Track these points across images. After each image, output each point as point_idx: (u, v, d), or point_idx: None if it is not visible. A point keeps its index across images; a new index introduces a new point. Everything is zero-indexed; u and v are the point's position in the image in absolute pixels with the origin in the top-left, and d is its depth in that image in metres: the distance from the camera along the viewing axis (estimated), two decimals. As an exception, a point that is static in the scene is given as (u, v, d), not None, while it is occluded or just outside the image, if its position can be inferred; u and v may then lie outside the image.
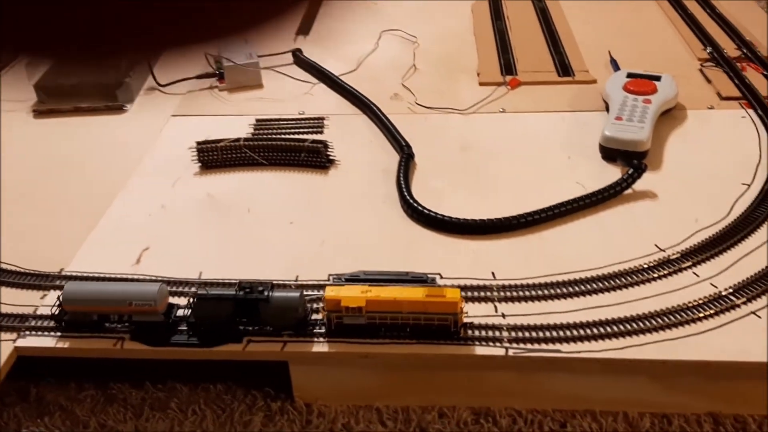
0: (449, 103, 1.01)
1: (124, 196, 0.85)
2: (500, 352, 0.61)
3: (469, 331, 0.63)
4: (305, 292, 0.66)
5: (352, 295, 0.62)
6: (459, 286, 0.67)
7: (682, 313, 0.63)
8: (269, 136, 0.92)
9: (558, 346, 0.61)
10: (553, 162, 0.87)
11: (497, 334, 0.63)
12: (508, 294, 0.67)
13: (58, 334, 0.65)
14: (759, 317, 0.63)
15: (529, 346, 0.61)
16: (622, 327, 0.62)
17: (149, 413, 0.65)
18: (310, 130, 0.96)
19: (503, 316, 0.65)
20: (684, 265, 0.69)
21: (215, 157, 0.88)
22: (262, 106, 1.03)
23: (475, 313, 0.65)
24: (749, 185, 0.80)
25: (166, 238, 0.78)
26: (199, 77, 1.09)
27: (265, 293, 0.62)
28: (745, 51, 1.09)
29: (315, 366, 0.64)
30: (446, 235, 0.76)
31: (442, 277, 0.69)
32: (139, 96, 1.08)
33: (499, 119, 0.97)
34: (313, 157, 0.88)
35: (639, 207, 0.79)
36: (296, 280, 0.70)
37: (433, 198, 0.81)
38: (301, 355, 0.63)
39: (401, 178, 0.82)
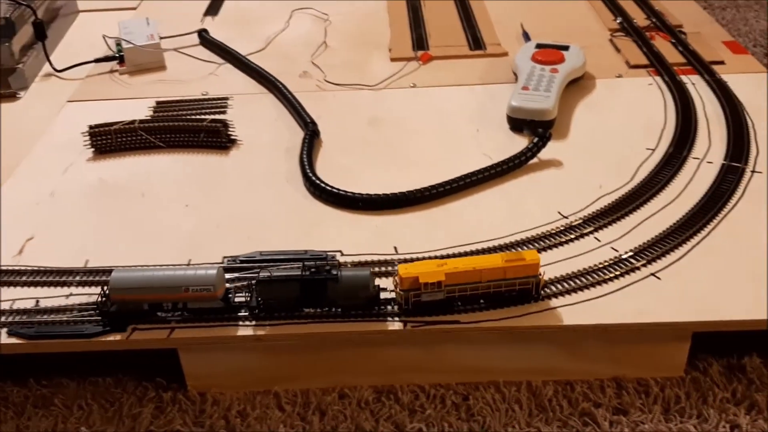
0: (359, 79, 0.98)
1: (11, 185, 0.80)
2: (398, 326, 0.59)
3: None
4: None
5: (429, 270, 0.58)
6: (360, 263, 0.65)
7: (582, 278, 0.62)
8: (167, 117, 0.88)
9: (457, 317, 0.59)
10: (462, 135, 0.86)
11: (396, 308, 0.60)
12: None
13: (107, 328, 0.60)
14: (659, 279, 0.62)
15: (427, 318, 0.59)
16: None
17: (32, 411, 0.61)
18: (213, 110, 0.92)
19: (403, 290, 0.63)
20: (586, 231, 0.68)
21: (109, 141, 0.84)
22: (164, 89, 0.98)
23: (374, 288, 0.63)
24: (653, 150, 0.80)
25: (53, 226, 0.73)
26: (98, 61, 1.04)
27: (334, 272, 0.58)
28: (654, 20, 1.09)
29: (206, 352, 0.61)
30: (349, 212, 0.73)
31: (342, 254, 0.67)
32: (34, 83, 1.02)
33: (409, 94, 0.95)
34: (212, 137, 0.84)
35: (545, 176, 0.77)
36: (188, 264, 0.66)
37: (340, 174, 0.78)
38: (189, 341, 0.59)
39: (304, 156, 0.79)
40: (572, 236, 0.68)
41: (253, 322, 0.60)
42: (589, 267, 0.63)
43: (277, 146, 0.84)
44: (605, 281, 0.62)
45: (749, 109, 0.86)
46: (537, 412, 0.59)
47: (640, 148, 0.80)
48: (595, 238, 0.68)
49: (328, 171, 0.79)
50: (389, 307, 0.60)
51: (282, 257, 0.65)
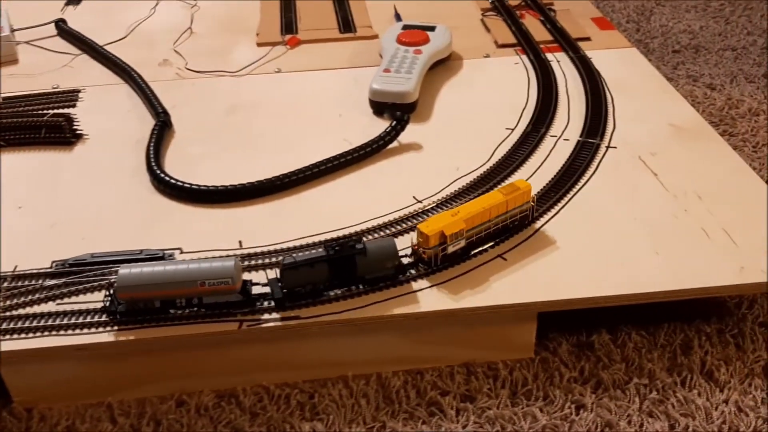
0: (222, 65, 0.94)
1: None
2: (233, 326, 0.56)
3: (203, 309, 0.57)
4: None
5: (449, 222, 0.59)
6: (195, 260, 0.61)
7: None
8: (9, 114, 0.82)
9: (297, 311, 0.57)
10: (325, 120, 0.83)
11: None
12: (253, 263, 0.62)
13: (115, 328, 0.56)
14: (505, 260, 0.61)
15: (266, 315, 0.56)
16: (357, 286, 0.58)
17: None
18: (62, 104, 0.86)
19: (252, 283, 0.59)
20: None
21: (-61, 141, 0.77)
22: (14, 84, 0.91)
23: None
24: (512, 129, 0.79)
25: None
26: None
27: (360, 246, 0.57)
28: (525, -1, 1.09)
29: (30, 365, 0.56)
30: (196, 206, 0.69)
31: (182, 252, 0.63)
32: None
33: (273, 80, 0.91)
34: (55, 133, 0.79)
35: (403, 160, 0.75)
36: (14, 271, 0.61)
37: (192, 165, 0.74)
38: (9, 354, 0.55)
39: (151, 148, 0.75)
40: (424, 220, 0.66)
41: (91, 331, 0.55)
42: (437, 252, 0.62)
43: (127, 139, 0.79)
44: (451, 265, 0.60)
45: (611, 85, 0.86)
46: (384, 405, 0.57)
47: (500, 128, 0.79)
48: (447, 221, 0.66)
49: (178, 162, 0.75)
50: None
51: (115, 258, 0.61)
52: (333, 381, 0.59)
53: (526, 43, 0.96)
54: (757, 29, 1.16)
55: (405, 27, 0.94)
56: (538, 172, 0.72)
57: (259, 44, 0.99)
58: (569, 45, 0.95)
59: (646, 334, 0.62)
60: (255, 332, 0.56)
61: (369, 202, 0.69)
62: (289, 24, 1.04)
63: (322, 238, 0.64)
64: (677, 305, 0.63)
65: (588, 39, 0.97)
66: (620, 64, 0.91)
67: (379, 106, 0.82)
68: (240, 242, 0.64)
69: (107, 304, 0.56)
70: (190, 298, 0.56)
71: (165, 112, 0.81)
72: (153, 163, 0.72)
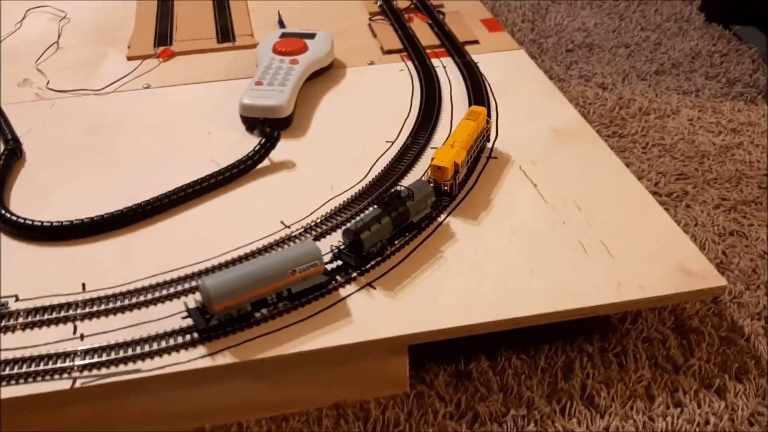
0: (88, 82, 0.87)
1: None
2: (65, 384, 0.50)
3: (33, 366, 0.51)
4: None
5: (452, 153, 0.64)
6: (32, 309, 0.55)
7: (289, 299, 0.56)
8: None
9: (140, 364, 0.51)
10: (193, 139, 0.77)
11: (67, 362, 0.51)
12: (96, 308, 0.56)
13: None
14: (374, 287, 0.57)
15: (103, 371, 0.50)
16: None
17: None
18: None
19: (81, 337, 0.53)
20: (306, 241, 0.62)
21: None
22: None
23: (45, 339, 0.53)
24: (392, 142, 0.75)
25: None
26: None
27: (405, 192, 0.60)
28: (415, 1, 1.05)
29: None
30: (36, 245, 0.62)
31: (18, 299, 0.57)
32: None
33: (141, 96, 0.85)
34: None
35: (274, 180, 0.70)
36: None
37: (42, 195, 0.68)
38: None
39: (-9, 181, 0.68)
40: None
41: None
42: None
43: (-31, 171, 0.72)
44: (315, 298, 0.56)
45: (495, 90, 0.83)
46: (244, 458, 0.52)
47: (381, 141, 0.75)
48: (315, 248, 0.61)
49: (27, 193, 0.68)
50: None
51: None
52: (188, 435, 0.53)
53: (412, 49, 0.92)
54: (651, 24, 1.15)
55: (283, 35, 0.89)
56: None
57: (130, 58, 0.92)
58: (456, 49, 0.92)
59: (527, 358, 0.59)
60: (90, 390, 0.50)
61: (233, 230, 0.63)
62: (163, 34, 0.97)
63: (181, 273, 0.59)
64: (559, 324, 0.60)
65: (476, 42, 0.94)
66: (507, 67, 0.88)
67: (250, 122, 0.77)
68: (83, 285, 0.58)
69: (196, 320, 0.52)
70: (280, 291, 0.54)
71: (15, 140, 0.74)
72: (-10, 199, 0.65)
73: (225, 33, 0.98)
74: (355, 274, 0.58)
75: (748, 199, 0.77)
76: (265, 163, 0.72)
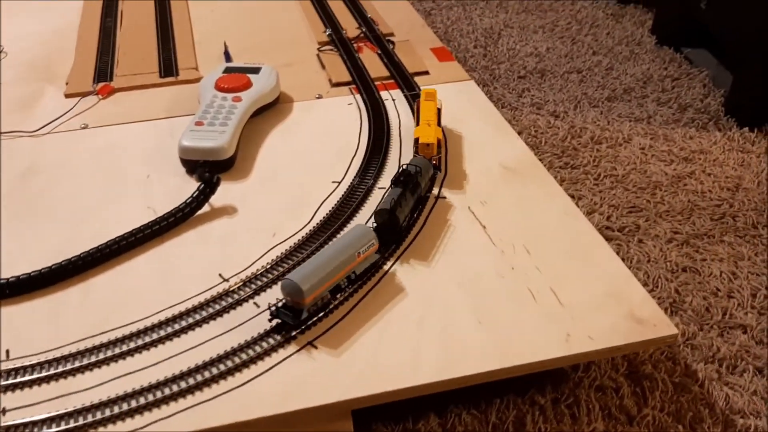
0: (22, 123, 0.83)
1: None
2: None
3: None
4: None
5: (432, 130, 0.72)
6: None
7: (220, 364, 0.53)
8: None
9: (57, 445, 0.48)
10: (130, 183, 0.74)
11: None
12: (20, 379, 0.52)
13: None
14: (315, 347, 0.54)
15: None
16: (147, 397, 0.50)
17: None
18: None
19: (3, 412, 0.50)
20: (244, 296, 0.59)
21: None
22: None
23: (-40, 417, 0.49)
24: (339, 182, 0.73)
25: None
26: None
27: (415, 170, 0.66)
28: (364, 30, 1.03)
29: None
30: (-42, 307, 0.59)
31: (-67, 371, 0.53)
32: None
33: (78, 137, 0.81)
34: None
35: (213, 228, 0.67)
36: None
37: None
38: None
39: None
40: (229, 303, 0.58)
41: None
42: (236, 346, 0.54)
43: None
44: (249, 362, 0.53)
45: (445, 122, 0.81)
46: None
47: (327, 182, 0.73)
48: (255, 303, 0.59)
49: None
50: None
51: None
52: None
53: (360, 81, 0.90)
54: (603, 48, 1.15)
55: (227, 69, 0.86)
56: (360, 233, 0.66)
57: (68, 95, 0.89)
58: (405, 81, 0.90)
59: (478, 413, 0.57)
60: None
61: (168, 285, 0.60)
62: (104, 68, 0.94)
63: (112, 336, 0.56)
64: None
65: (426, 73, 0.93)
66: (457, 99, 0.87)
67: (190, 165, 0.74)
68: (7, 352, 0.55)
69: (289, 317, 0.54)
70: (349, 275, 0.57)
71: (-64, 189, 0.70)
72: None
73: (168, 67, 0.95)
74: (294, 333, 0.55)
75: (701, 232, 0.76)
76: (206, 208, 0.69)
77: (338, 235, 0.64)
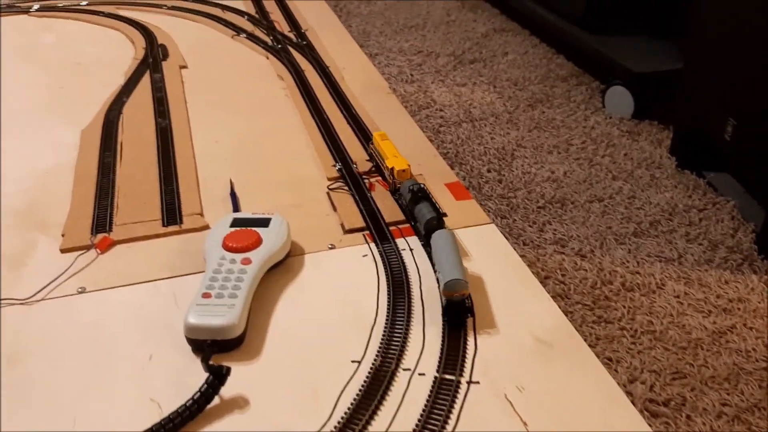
0: (13, 287, 0.77)
1: None
2: None
3: None
4: None
5: (400, 158, 0.89)
6: None
7: None
8: None
9: None
10: (130, 366, 0.67)
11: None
12: None
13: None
14: None
15: None
16: None
17: None
18: None
19: None
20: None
21: None
22: None
23: None
24: (359, 362, 0.66)
25: None
26: None
27: (418, 187, 0.82)
28: (376, 163, 0.99)
29: None
30: None
31: None
32: None
33: (73, 304, 0.75)
34: None
35: (222, 427, 0.61)
36: None
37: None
38: None
39: None
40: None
41: None
42: None
43: None
44: None
45: (470, 276, 0.76)
46: None
47: (346, 360, 0.67)
48: None
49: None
50: None
51: None
52: None
53: (374, 226, 0.85)
54: (622, 172, 1.11)
55: (235, 222, 0.81)
56: (391, 426, 0.59)
57: (63, 250, 0.83)
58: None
59: None
60: None
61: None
62: (102, 216, 0.89)
63: None
64: None
65: (444, 215, 0.88)
66: (479, 248, 0.81)
67: (197, 344, 0.68)
68: None
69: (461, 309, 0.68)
70: None
71: None
72: None
73: (171, 213, 0.89)
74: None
75: (750, 403, 0.70)
76: (215, 401, 0.63)
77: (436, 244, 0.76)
